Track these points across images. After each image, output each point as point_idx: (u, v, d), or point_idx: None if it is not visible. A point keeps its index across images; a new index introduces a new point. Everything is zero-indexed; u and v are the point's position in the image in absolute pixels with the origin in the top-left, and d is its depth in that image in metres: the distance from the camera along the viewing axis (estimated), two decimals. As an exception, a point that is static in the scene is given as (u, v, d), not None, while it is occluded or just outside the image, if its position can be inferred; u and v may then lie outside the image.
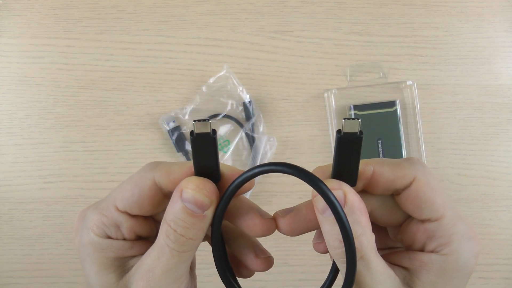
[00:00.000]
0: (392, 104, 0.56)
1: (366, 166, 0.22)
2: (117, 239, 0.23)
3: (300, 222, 0.24)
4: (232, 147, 0.56)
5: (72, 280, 0.56)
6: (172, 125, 0.55)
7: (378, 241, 0.22)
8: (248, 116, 0.56)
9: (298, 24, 0.58)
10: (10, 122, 0.57)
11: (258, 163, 0.55)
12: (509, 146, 0.57)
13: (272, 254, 0.26)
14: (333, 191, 0.20)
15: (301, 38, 0.58)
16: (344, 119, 0.20)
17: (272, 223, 0.24)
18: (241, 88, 0.56)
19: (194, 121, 0.20)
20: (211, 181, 0.22)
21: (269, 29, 0.58)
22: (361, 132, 0.20)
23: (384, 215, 0.24)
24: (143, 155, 0.56)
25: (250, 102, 0.56)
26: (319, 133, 0.57)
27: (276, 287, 0.55)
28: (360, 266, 0.21)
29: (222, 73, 0.56)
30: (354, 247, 0.20)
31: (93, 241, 0.23)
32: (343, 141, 0.20)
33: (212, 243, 0.23)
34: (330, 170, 0.22)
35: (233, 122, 0.56)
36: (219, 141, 0.57)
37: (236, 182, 0.21)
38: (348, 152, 0.21)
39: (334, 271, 0.23)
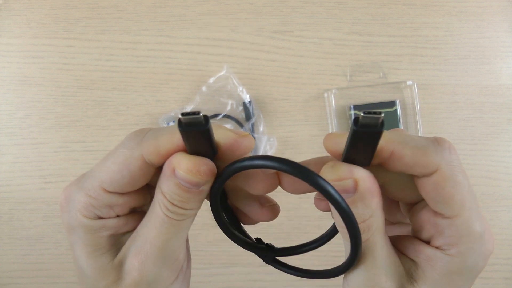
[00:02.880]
0: (392, 104, 0.56)
1: (385, 145, 0.19)
2: (109, 218, 0.21)
3: (305, 183, 0.21)
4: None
5: (72, 280, 0.56)
6: (172, 125, 0.55)
7: (388, 214, 0.20)
8: (248, 116, 0.56)
9: (298, 24, 0.58)
10: (10, 122, 0.57)
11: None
12: (509, 146, 0.57)
13: None
14: (342, 182, 0.18)
15: (301, 38, 0.58)
16: (364, 112, 0.16)
17: (275, 180, 0.22)
18: (241, 88, 0.56)
19: (182, 114, 0.17)
20: (204, 161, 0.19)
21: (269, 29, 0.58)
22: (382, 124, 0.17)
23: (397, 191, 0.22)
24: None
25: (250, 102, 0.56)
26: (319, 133, 0.57)
27: (276, 287, 0.55)
28: (365, 248, 0.20)
29: (222, 73, 0.56)
30: (360, 239, 0.19)
31: (84, 223, 0.21)
32: (358, 134, 0.17)
33: (212, 210, 0.22)
34: (343, 141, 0.19)
35: (233, 122, 0.56)
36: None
37: (234, 167, 0.19)
38: (364, 144, 0.18)
39: (335, 228, 0.23)
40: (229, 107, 0.56)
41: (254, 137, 0.56)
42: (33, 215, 0.56)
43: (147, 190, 0.23)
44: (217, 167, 0.20)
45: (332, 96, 0.56)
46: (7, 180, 0.57)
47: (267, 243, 0.25)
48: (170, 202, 0.20)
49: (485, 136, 0.57)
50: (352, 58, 0.57)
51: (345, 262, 0.20)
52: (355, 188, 0.19)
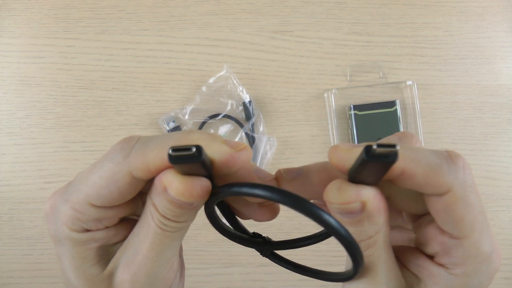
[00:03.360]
0: (392, 104, 0.56)
1: (396, 164, 0.18)
2: (98, 230, 0.20)
3: (307, 190, 0.20)
4: (232, 147, 0.56)
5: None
6: (172, 125, 0.55)
7: (389, 219, 0.19)
8: (248, 116, 0.56)
9: (298, 24, 0.58)
10: (10, 122, 0.57)
11: (258, 163, 0.55)
12: (509, 146, 0.57)
13: None
14: (348, 205, 0.17)
15: (301, 38, 0.58)
16: (378, 145, 0.15)
17: (277, 210, 0.21)
18: (241, 88, 0.56)
19: (173, 150, 0.16)
20: (198, 180, 0.18)
21: (269, 29, 0.58)
22: (395, 155, 0.16)
23: (403, 203, 0.21)
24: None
25: (250, 102, 0.56)
26: (319, 133, 0.57)
27: (276, 287, 0.55)
28: (367, 262, 0.19)
29: (222, 73, 0.56)
30: (363, 261, 0.18)
31: (71, 237, 0.20)
32: (368, 164, 0.16)
33: (207, 215, 0.21)
34: (350, 158, 0.18)
35: (233, 122, 0.56)
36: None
37: (231, 191, 0.18)
38: (373, 172, 0.17)
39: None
40: (229, 107, 0.56)
41: (254, 137, 0.56)
42: (33, 215, 0.56)
43: (138, 196, 0.22)
44: (213, 181, 0.19)
45: (332, 96, 0.56)
46: (7, 180, 0.57)
47: (264, 237, 0.24)
48: (162, 216, 0.18)
49: (485, 136, 0.57)
50: (352, 58, 0.57)
51: (346, 272, 0.20)
52: (362, 210, 0.18)
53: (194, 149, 0.16)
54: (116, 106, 0.57)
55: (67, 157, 0.57)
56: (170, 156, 0.16)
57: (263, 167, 0.56)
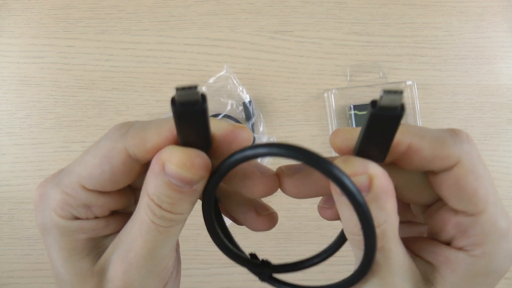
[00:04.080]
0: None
1: (402, 138, 0.17)
2: (87, 219, 0.19)
3: (309, 185, 0.19)
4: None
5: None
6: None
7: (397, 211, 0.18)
8: (248, 116, 0.56)
9: (298, 24, 0.58)
10: (10, 122, 0.57)
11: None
12: (509, 146, 0.57)
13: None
14: (355, 177, 0.16)
15: (301, 38, 0.58)
16: (383, 91, 0.15)
17: (275, 182, 0.20)
18: (241, 88, 0.56)
19: (177, 88, 0.15)
20: (199, 153, 0.17)
21: (269, 29, 0.58)
22: (402, 107, 0.15)
23: (411, 193, 0.20)
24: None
25: (250, 102, 0.56)
26: (319, 133, 0.57)
27: (276, 287, 0.55)
28: (378, 255, 0.18)
29: (222, 73, 0.56)
30: (376, 244, 0.17)
31: (59, 224, 0.19)
32: (376, 119, 0.16)
33: (203, 213, 0.20)
34: (353, 137, 0.18)
35: (233, 122, 0.56)
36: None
37: (233, 159, 0.17)
38: (381, 131, 0.16)
39: (343, 236, 0.21)
40: (229, 107, 0.56)
41: (254, 137, 0.56)
42: (33, 215, 0.56)
43: (131, 192, 0.21)
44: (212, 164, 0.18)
45: (332, 96, 0.56)
46: (7, 180, 0.57)
47: (262, 259, 0.22)
48: (158, 206, 0.17)
49: (485, 136, 0.57)
50: (352, 58, 0.57)
51: (356, 271, 0.19)
52: (369, 186, 0.17)
53: (198, 88, 0.15)
54: (116, 106, 0.57)
55: (67, 157, 0.57)
56: (173, 99, 0.15)
57: (263, 167, 0.56)
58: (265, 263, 0.22)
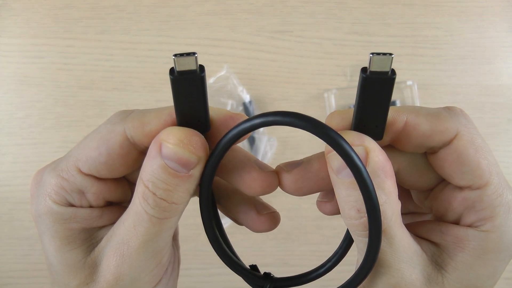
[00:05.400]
0: (392, 104, 0.55)
1: (397, 115, 0.17)
2: (81, 207, 0.19)
3: (309, 180, 0.19)
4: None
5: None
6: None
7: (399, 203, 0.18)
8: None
9: (298, 24, 0.58)
10: (10, 122, 0.57)
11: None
12: (509, 146, 0.57)
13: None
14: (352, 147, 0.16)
15: (301, 38, 0.58)
16: (372, 53, 0.15)
17: (274, 178, 0.19)
18: (241, 88, 0.56)
19: (175, 55, 0.15)
20: (197, 132, 0.17)
21: (269, 29, 0.58)
22: (393, 71, 0.16)
23: (412, 177, 0.19)
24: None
25: (250, 102, 0.56)
26: (319, 133, 0.57)
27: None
28: (382, 243, 0.17)
29: (222, 73, 0.56)
30: (380, 220, 0.16)
31: (52, 210, 0.18)
32: (369, 83, 0.16)
33: (200, 206, 0.19)
34: (350, 117, 0.18)
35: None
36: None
37: (230, 135, 0.17)
38: (375, 98, 0.16)
39: (348, 241, 0.20)
40: (229, 107, 0.56)
41: (254, 137, 0.56)
42: (33, 215, 0.56)
43: (128, 185, 0.21)
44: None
45: (332, 96, 0.56)
46: (7, 180, 0.57)
47: (264, 272, 0.21)
48: (153, 193, 0.17)
49: (485, 136, 0.56)
50: (352, 58, 0.57)
51: (364, 260, 0.18)
52: (365, 159, 0.16)
53: (196, 55, 0.15)
54: (116, 106, 0.57)
55: (67, 157, 0.57)
56: (172, 70, 0.16)
57: (263, 167, 0.56)
58: (267, 276, 0.21)
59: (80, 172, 0.18)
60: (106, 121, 0.19)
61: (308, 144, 0.57)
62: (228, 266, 0.20)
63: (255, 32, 0.58)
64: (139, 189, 0.17)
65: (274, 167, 0.20)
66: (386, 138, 0.18)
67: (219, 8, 0.58)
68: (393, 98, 0.56)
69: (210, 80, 0.56)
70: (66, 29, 0.58)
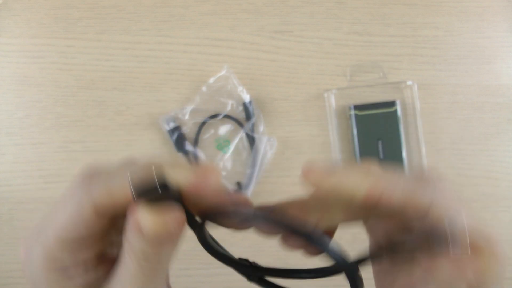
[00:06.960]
0: (392, 104, 0.56)
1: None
2: (77, 271, 0.19)
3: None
4: (232, 147, 0.56)
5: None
6: (172, 125, 0.55)
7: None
8: (248, 116, 0.56)
9: (298, 24, 0.58)
10: (10, 122, 0.57)
11: (258, 164, 0.55)
12: (509, 146, 0.57)
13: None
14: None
15: (301, 38, 0.58)
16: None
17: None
18: (241, 88, 0.56)
19: (134, 188, 0.16)
20: (170, 213, 0.17)
21: (269, 29, 0.58)
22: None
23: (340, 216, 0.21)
24: (143, 155, 0.56)
25: (250, 102, 0.56)
26: (319, 133, 0.57)
27: (276, 287, 0.55)
28: None
29: (222, 73, 0.56)
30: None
31: (49, 279, 0.19)
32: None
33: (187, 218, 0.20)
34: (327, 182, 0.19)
35: (233, 122, 0.56)
36: (219, 141, 0.57)
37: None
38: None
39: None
40: (229, 107, 0.56)
41: (254, 137, 0.56)
42: (33, 215, 0.56)
43: (111, 227, 0.20)
44: (186, 208, 0.18)
45: (332, 96, 0.56)
46: (7, 180, 0.57)
47: (251, 262, 0.22)
48: (139, 258, 0.18)
49: (485, 136, 0.57)
50: (352, 58, 0.57)
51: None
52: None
53: (157, 183, 0.16)
54: (116, 106, 0.57)
55: (67, 157, 0.57)
56: (133, 191, 0.16)
57: (263, 168, 0.56)
58: (254, 266, 0.22)
59: (65, 250, 0.18)
60: (71, 189, 0.18)
61: (307, 144, 0.57)
62: (213, 255, 0.21)
63: (255, 32, 0.58)
64: (127, 247, 0.18)
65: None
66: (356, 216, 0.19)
67: (219, 8, 0.58)
68: (393, 98, 0.56)
69: (210, 80, 0.57)
70: (66, 29, 0.58)
